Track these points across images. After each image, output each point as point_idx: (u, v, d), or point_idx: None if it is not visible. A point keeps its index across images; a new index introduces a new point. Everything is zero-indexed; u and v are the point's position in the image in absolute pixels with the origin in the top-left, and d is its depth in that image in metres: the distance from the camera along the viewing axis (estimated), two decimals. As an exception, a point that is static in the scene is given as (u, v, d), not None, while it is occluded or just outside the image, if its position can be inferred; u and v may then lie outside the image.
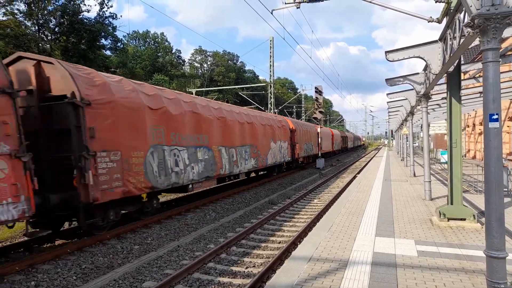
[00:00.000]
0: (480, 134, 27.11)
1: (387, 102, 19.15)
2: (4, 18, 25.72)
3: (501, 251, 3.83)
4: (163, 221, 10.69)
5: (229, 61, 73.18)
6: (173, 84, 49.82)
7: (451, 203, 7.73)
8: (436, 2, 6.47)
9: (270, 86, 36.09)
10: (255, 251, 7.97)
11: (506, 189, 10.85)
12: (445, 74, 7.76)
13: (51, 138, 8.08)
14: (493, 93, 3.84)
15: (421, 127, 24.30)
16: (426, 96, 10.28)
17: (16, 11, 26.38)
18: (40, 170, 7.27)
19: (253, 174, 21.49)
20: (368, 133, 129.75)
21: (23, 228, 9.21)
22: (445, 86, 10.13)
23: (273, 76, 35.55)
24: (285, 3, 11.24)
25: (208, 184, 13.62)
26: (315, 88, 29.17)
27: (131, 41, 61.94)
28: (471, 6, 3.91)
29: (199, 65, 72.22)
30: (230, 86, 53.89)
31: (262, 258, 7.55)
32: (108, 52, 36.33)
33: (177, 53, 66.62)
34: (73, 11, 28.29)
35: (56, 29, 29.18)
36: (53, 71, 8.19)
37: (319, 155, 30.97)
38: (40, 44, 27.47)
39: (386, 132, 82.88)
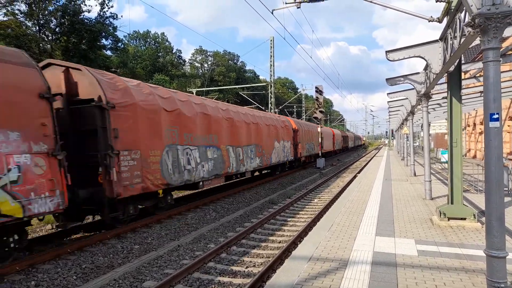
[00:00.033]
0: (480, 133, 27.09)
1: (388, 102, 19.13)
2: (5, 19, 25.76)
3: (501, 250, 3.82)
4: (163, 221, 10.70)
5: (230, 61, 73.17)
6: (173, 84, 49.85)
7: (452, 203, 7.72)
8: (436, 1, 6.46)
9: (271, 86, 36.09)
10: (255, 251, 7.97)
11: (507, 189, 10.84)
12: (446, 74, 7.75)
13: (79, 138, 8.77)
14: (494, 93, 3.84)
15: (422, 127, 24.29)
16: (427, 96, 10.27)
17: (17, 12, 26.41)
18: (69, 167, 7.76)
19: (256, 173, 21.75)
20: (368, 132, 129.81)
21: (46, 222, 10.14)
22: (445, 85, 10.11)
23: (274, 76, 35.54)
24: (286, 3, 11.25)
25: (217, 181, 14.34)
26: (316, 87, 29.17)
27: (132, 41, 61.99)
28: (471, 6, 3.90)
29: (199, 65, 72.23)
30: (230, 86, 53.89)
31: (262, 257, 7.55)
32: (108, 52, 36.34)
33: (177, 53, 66.66)
34: (73, 11, 28.30)
35: (57, 29, 29.19)
36: (81, 76, 8.92)
37: (320, 154, 30.98)
38: (41, 44, 27.50)
39: (386, 132, 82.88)
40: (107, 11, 30.94)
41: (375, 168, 23.29)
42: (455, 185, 7.61)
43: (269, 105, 36.46)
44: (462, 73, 8.04)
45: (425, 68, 9.78)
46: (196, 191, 14.01)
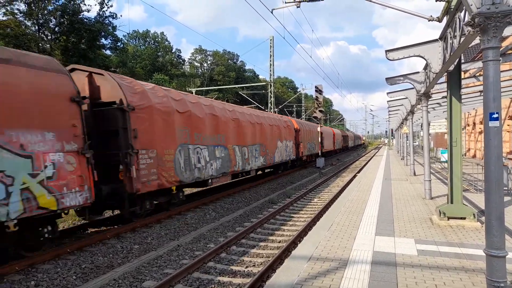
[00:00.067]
0: (480, 133, 27.10)
1: (387, 101, 19.14)
2: (4, 18, 25.73)
3: (501, 250, 3.82)
4: (163, 221, 10.70)
5: (229, 61, 73.15)
6: (173, 84, 49.84)
7: (451, 202, 7.72)
8: (436, 1, 6.45)
9: (270, 85, 36.08)
10: (255, 250, 7.97)
11: (506, 188, 10.85)
12: (446, 73, 7.75)
13: (101, 138, 9.18)
14: (494, 92, 3.83)
15: (421, 126, 24.31)
16: (426, 95, 10.26)
17: (16, 11, 26.39)
18: (94, 165, 8.25)
19: (259, 172, 22.09)
20: (368, 132, 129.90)
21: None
22: (445, 85, 10.11)
23: (273, 75, 35.54)
24: (285, 2, 11.23)
25: (224, 179, 15.03)
26: (315, 87, 29.13)
27: (131, 41, 61.97)
28: (471, 5, 3.90)
29: (199, 65, 72.21)
30: (230, 85, 53.88)
31: (262, 257, 7.55)
32: (108, 52, 36.36)
33: (177, 53, 66.68)
34: (73, 10, 28.29)
35: (56, 28, 29.17)
36: (103, 81, 9.54)
37: (319, 154, 31.03)
38: (40, 44, 27.49)
39: (386, 131, 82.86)
40: (106, 10, 30.98)
41: (374, 167, 23.29)
42: (455, 184, 7.61)
43: (269, 104, 36.46)
44: (462, 73, 8.03)
45: (425, 68, 9.78)
46: (204, 188, 14.80)
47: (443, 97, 15.70)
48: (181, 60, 66.92)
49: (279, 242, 8.64)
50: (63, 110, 7.47)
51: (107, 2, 30.49)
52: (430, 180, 10.76)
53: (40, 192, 6.81)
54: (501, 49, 4.58)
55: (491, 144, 3.89)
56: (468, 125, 31.80)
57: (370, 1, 8.11)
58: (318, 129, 32.11)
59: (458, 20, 5.69)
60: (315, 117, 30.63)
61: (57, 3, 28.29)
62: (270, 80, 35.74)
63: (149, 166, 9.80)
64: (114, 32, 32.54)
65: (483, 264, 4.69)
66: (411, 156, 18.49)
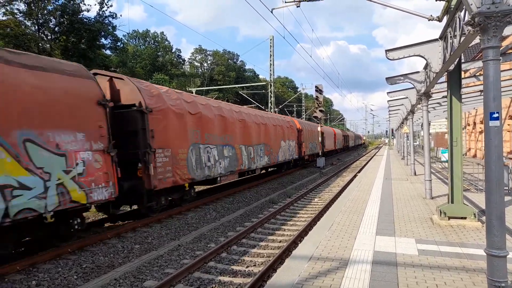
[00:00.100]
0: (480, 132, 27.09)
1: (388, 101, 19.12)
2: (4, 18, 25.73)
3: (501, 249, 3.82)
4: (163, 220, 10.71)
5: (229, 60, 73.11)
6: (173, 84, 49.82)
7: (452, 202, 7.72)
8: (436, 0, 6.45)
9: (270, 85, 36.07)
10: (255, 250, 7.98)
11: (507, 188, 10.84)
12: (446, 73, 7.75)
13: (121, 138, 9.51)
14: (494, 92, 3.83)
15: (422, 126, 24.30)
16: (427, 95, 10.26)
17: (16, 11, 26.39)
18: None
19: (263, 171, 22.42)
20: (368, 132, 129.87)
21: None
22: (445, 84, 10.10)
23: (273, 75, 35.54)
24: (285, 2, 11.23)
25: (232, 177, 15.76)
26: (315, 87, 29.12)
27: (131, 41, 61.96)
28: (471, 5, 3.90)
29: (199, 64, 72.18)
30: (230, 85, 53.86)
31: (262, 257, 7.56)
32: (108, 52, 36.34)
33: (177, 52, 66.65)
34: (73, 10, 28.28)
35: (56, 28, 29.17)
36: (123, 85, 10.21)
37: (320, 153, 31.08)
38: (40, 44, 27.49)
39: (386, 131, 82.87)
40: (106, 10, 30.96)
41: (375, 167, 23.30)
42: (455, 184, 7.61)
43: (269, 104, 36.45)
44: (462, 72, 8.03)
45: (425, 67, 9.78)
46: (214, 185, 15.68)
47: (443, 97, 15.69)
48: (181, 60, 66.93)
49: (280, 242, 8.65)
50: (91, 113, 8.18)
51: (107, 2, 30.50)
52: (430, 180, 10.76)
53: (73, 187, 7.51)
54: (501, 48, 4.59)
55: (492, 143, 3.89)
56: (469, 125, 31.79)
57: (371, 0, 8.10)
58: (319, 128, 32.15)
59: (458, 20, 5.69)
60: (315, 117, 30.62)
61: (56, 3, 28.32)
62: (270, 80, 35.73)
63: (165, 164, 10.49)
64: (114, 32, 32.55)
65: (484, 263, 4.70)
66: (412, 156, 18.49)
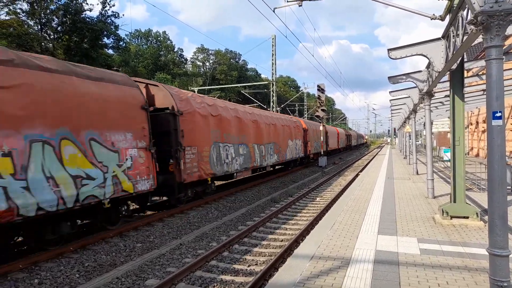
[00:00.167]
0: (483, 132, 26.99)
1: (390, 100, 19.11)
2: (7, 18, 25.81)
3: (504, 249, 3.81)
4: (165, 219, 10.73)
5: (231, 60, 73.14)
6: (175, 83, 49.88)
7: (454, 201, 7.70)
8: (439, -1, 6.43)
9: (272, 85, 36.03)
10: (257, 249, 7.98)
11: (510, 187, 10.79)
12: (448, 72, 7.72)
13: (156, 137, 10.51)
14: (497, 91, 3.82)
15: (424, 125, 24.24)
16: (429, 94, 10.23)
17: (18, 10, 26.46)
18: None
19: (269, 168, 22.97)
20: (370, 131, 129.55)
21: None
22: (448, 83, 10.08)
23: (276, 74, 35.47)
24: (287, 1, 11.22)
25: (246, 173, 17.13)
26: (317, 86, 29.06)
27: (133, 40, 62.08)
28: (474, 3, 3.89)
29: (201, 64, 72.23)
30: (232, 84, 53.85)
31: (264, 256, 7.56)
32: (110, 51, 36.36)
33: (179, 52, 66.71)
34: (75, 10, 28.31)
35: (59, 28, 29.23)
36: (157, 91, 11.49)
37: (322, 152, 31.13)
38: (42, 43, 27.58)
39: (388, 130, 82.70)
40: (108, 9, 30.97)
41: (377, 166, 23.25)
42: (458, 183, 7.59)
43: (271, 103, 36.41)
44: (465, 71, 8.00)
45: (428, 66, 9.75)
46: (231, 180, 17.27)
47: (445, 96, 15.66)
48: (183, 59, 67.01)
49: (282, 241, 8.65)
50: (136, 116, 9.51)
51: (109, 2, 30.51)
52: (432, 179, 10.73)
53: (123, 179, 8.87)
54: (504, 47, 4.55)
55: (494, 143, 3.87)
56: (471, 124, 31.68)
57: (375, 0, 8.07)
58: (321, 128, 32.19)
59: (460, 19, 5.67)
60: (317, 116, 30.57)
61: (59, 2, 28.34)
62: (272, 79, 35.68)
63: (192, 160, 11.83)
64: (117, 32, 32.57)
65: (486, 263, 4.68)
66: (414, 155, 18.46)
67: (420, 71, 10.46)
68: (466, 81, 10.98)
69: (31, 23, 27.89)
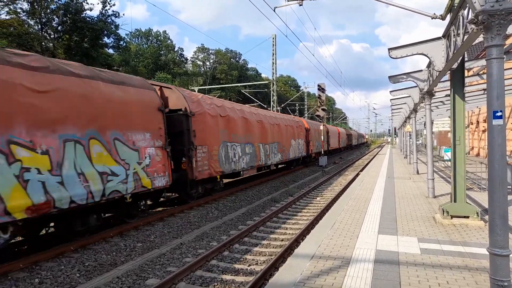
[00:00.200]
0: (484, 131, 26.97)
1: (390, 100, 19.07)
2: (7, 17, 25.81)
3: (504, 248, 3.81)
4: (165, 219, 10.73)
5: (232, 59, 73.11)
6: (175, 82, 49.86)
7: (455, 201, 7.70)
8: (439, -2, 6.41)
9: (273, 84, 36.02)
10: (257, 249, 7.98)
11: (510, 187, 10.78)
12: (449, 71, 7.71)
13: (170, 137, 10.94)
14: (497, 90, 3.81)
15: (425, 125, 24.24)
16: (430, 93, 10.22)
17: (19, 10, 26.45)
18: None
19: (273, 167, 23.50)
20: (371, 130, 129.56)
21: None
22: (448, 83, 10.07)
23: (276, 74, 35.46)
24: (288, 0, 11.21)
25: (252, 171, 17.82)
26: (318, 85, 29.08)
27: (134, 39, 62.03)
28: (475, 3, 3.88)
29: (201, 63, 72.20)
30: (232, 84, 53.83)
31: (264, 255, 7.56)
32: (110, 51, 36.34)
33: (179, 51, 66.68)
34: (75, 9, 28.30)
35: (59, 27, 29.21)
36: (171, 93, 12.14)
37: (322, 152, 31.15)
38: (43, 43, 27.58)
39: (389, 130, 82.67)
40: (109, 9, 30.95)
41: (377, 166, 23.25)
42: (458, 183, 7.58)
43: (271, 103, 36.40)
44: (465, 71, 8.00)
45: (428, 66, 9.74)
46: (237, 178, 18.14)
47: (446, 95, 15.64)
48: (183, 59, 66.96)
49: (282, 240, 8.65)
50: (154, 117, 10.16)
51: (110, 1, 30.49)
52: (433, 179, 10.73)
53: (143, 175, 9.52)
54: (505, 47, 4.54)
55: (495, 142, 3.87)
56: (472, 124, 31.65)
57: (374, -1, 8.06)
58: (321, 127, 32.25)
59: (461, 18, 5.66)
60: (318, 116, 30.62)
61: (59, 2, 28.33)
62: (273, 79, 35.67)
63: (203, 159, 12.47)
64: (117, 31, 32.55)
65: (487, 263, 4.68)
66: (414, 155, 18.45)
67: (420, 71, 10.44)
68: (466, 80, 10.97)
69: (32, 22, 27.89)
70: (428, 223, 7.70)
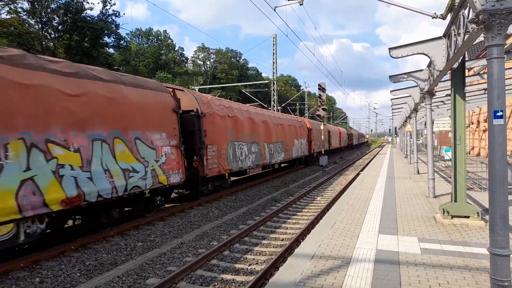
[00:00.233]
0: (484, 131, 26.94)
1: (391, 99, 19.03)
2: (8, 16, 25.82)
3: (505, 248, 3.80)
4: (166, 218, 10.74)
5: (232, 59, 73.09)
6: (176, 82, 49.85)
7: (455, 201, 7.69)
8: (440, -2, 6.41)
9: (273, 84, 36.00)
10: (258, 248, 7.99)
11: (511, 187, 10.77)
12: (449, 71, 7.70)
13: (183, 137, 11.48)
14: (498, 90, 3.81)
15: (425, 124, 24.22)
16: (430, 93, 10.21)
17: (19, 9, 26.47)
18: None
19: (277, 166, 23.68)
20: (371, 130, 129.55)
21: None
22: (449, 82, 10.05)
23: (276, 73, 35.43)
24: (288, 0, 11.20)
25: (257, 170, 18.66)
26: (318, 85, 29.01)
27: (134, 39, 62.00)
28: (475, 2, 3.87)
29: (202, 63, 72.19)
30: (233, 83, 53.82)
31: (265, 255, 7.56)
32: (111, 50, 36.36)
33: (180, 51, 66.65)
34: (76, 9, 28.32)
35: (60, 27, 29.24)
36: (183, 95, 12.64)
37: (323, 151, 31.20)
38: (43, 42, 27.59)
39: (389, 129, 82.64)
40: (109, 8, 30.98)
41: (378, 165, 23.24)
42: (459, 183, 7.57)
43: (272, 102, 36.38)
44: (466, 70, 7.98)
45: (429, 65, 9.72)
46: (244, 176, 18.66)
47: (447, 95, 15.62)
48: (184, 58, 66.94)
49: (282, 240, 8.65)
50: (169, 118, 10.80)
51: (110, 0, 30.52)
52: (433, 179, 10.72)
53: (160, 172, 10.15)
54: (505, 46, 4.53)
55: (496, 142, 3.86)
56: (472, 123, 31.62)
57: (374, -2, 8.05)
58: (321, 127, 32.30)
59: (462, 17, 5.65)
60: (318, 115, 30.57)
61: (60, 1, 28.35)
62: (273, 78, 35.65)
63: (213, 157, 13.11)
64: (117, 30, 32.58)
65: (487, 263, 4.67)
66: (415, 154, 18.44)
67: (421, 70, 10.43)
68: (467, 80, 10.96)
69: (32, 22, 27.93)
70: (428, 223, 7.70)
